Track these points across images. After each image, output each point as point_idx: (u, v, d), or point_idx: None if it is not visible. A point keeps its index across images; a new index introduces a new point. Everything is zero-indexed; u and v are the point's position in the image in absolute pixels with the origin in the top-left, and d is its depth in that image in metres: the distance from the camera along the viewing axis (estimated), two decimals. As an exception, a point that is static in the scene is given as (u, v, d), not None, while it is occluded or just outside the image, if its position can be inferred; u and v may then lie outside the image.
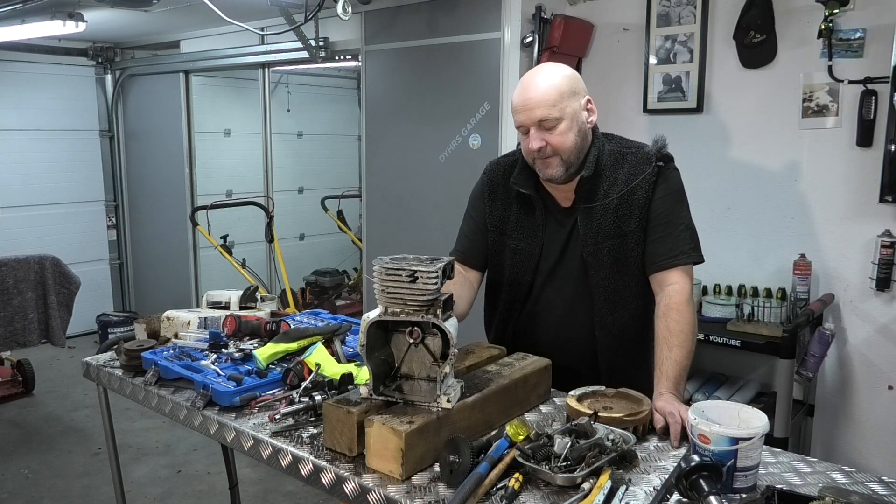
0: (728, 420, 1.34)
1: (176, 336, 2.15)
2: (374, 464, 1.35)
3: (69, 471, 3.63)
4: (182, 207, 5.53)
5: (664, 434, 1.52)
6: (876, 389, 2.99)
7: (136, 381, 1.89)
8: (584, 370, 1.82)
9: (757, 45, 3.06)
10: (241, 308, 2.48)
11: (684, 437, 1.47)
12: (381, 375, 1.46)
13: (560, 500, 1.25)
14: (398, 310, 1.40)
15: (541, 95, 1.68)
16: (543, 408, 1.70)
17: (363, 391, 1.44)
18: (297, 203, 6.44)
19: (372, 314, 1.44)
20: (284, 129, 6.25)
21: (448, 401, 1.40)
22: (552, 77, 1.71)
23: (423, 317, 1.39)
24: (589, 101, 1.76)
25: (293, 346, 1.93)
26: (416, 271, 1.36)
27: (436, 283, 1.37)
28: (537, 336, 1.90)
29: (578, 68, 3.64)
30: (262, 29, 4.41)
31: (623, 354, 1.83)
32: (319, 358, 1.80)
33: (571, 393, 1.59)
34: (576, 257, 1.82)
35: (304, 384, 1.63)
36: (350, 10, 3.28)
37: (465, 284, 1.90)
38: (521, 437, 1.35)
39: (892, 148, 2.75)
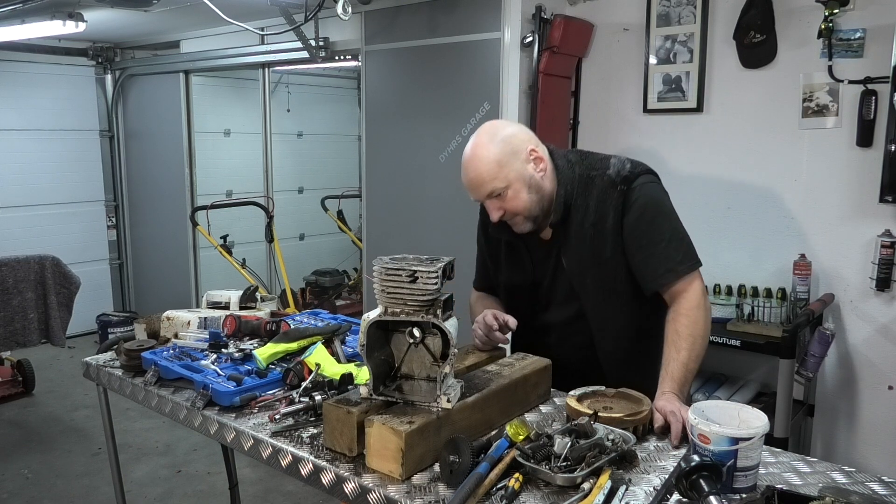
0: (728, 420, 1.34)
1: (176, 336, 2.15)
2: (374, 464, 1.35)
3: (69, 471, 3.63)
4: (182, 207, 5.53)
5: (663, 433, 1.52)
6: (876, 389, 2.99)
7: (136, 381, 1.89)
8: (595, 382, 1.79)
9: (757, 45, 3.06)
10: (241, 308, 2.48)
11: (684, 437, 1.47)
12: (381, 375, 1.46)
13: (560, 500, 1.25)
14: (398, 310, 1.40)
15: (480, 173, 1.68)
16: (543, 408, 1.70)
17: (363, 391, 1.44)
18: (297, 203, 6.44)
19: (372, 314, 1.44)
20: (284, 129, 6.25)
21: (448, 401, 1.40)
22: (486, 149, 1.69)
23: (423, 317, 1.39)
24: (532, 150, 1.72)
25: (293, 346, 1.93)
26: (416, 271, 1.36)
27: (436, 283, 1.37)
28: (546, 354, 1.89)
29: (578, 68, 3.64)
30: (262, 29, 4.41)
31: (632, 370, 1.80)
32: (319, 358, 1.80)
33: (571, 393, 1.59)
34: (565, 287, 1.84)
35: (304, 384, 1.63)
36: (350, 10, 3.28)
37: (494, 300, 1.99)
38: (521, 437, 1.35)
39: (892, 148, 2.75)
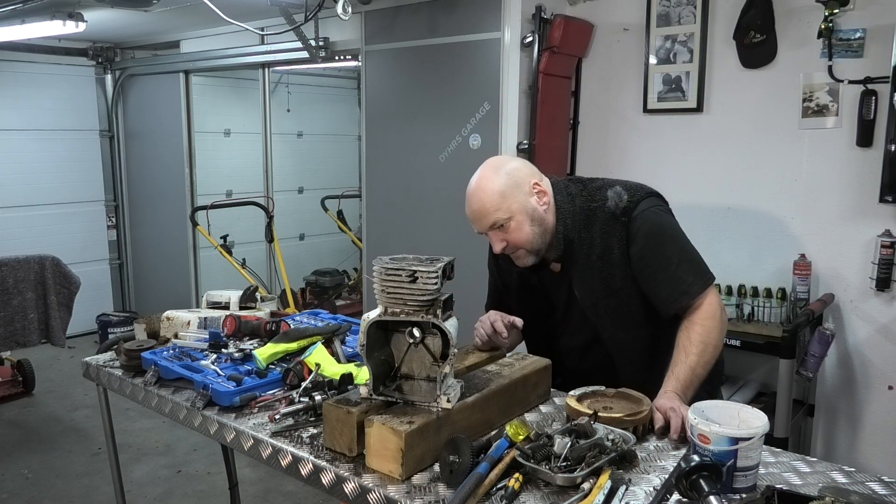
0: (728, 420, 1.34)
1: (176, 336, 2.15)
2: (374, 464, 1.35)
3: (69, 471, 3.63)
4: (182, 207, 5.53)
5: (663, 434, 1.52)
6: (876, 389, 2.99)
7: (136, 381, 1.89)
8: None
9: (757, 45, 3.06)
10: (241, 308, 2.48)
11: (683, 437, 1.47)
12: (381, 375, 1.46)
13: (560, 500, 1.25)
14: (398, 310, 1.40)
15: (484, 204, 1.71)
16: (543, 408, 1.70)
17: (363, 391, 1.44)
18: (297, 203, 6.43)
19: (372, 314, 1.44)
20: (284, 129, 6.24)
21: (448, 401, 1.40)
22: (490, 181, 1.72)
23: (423, 317, 1.39)
24: (535, 184, 1.75)
25: (293, 346, 1.93)
26: (416, 271, 1.36)
27: (436, 283, 1.37)
28: (567, 373, 1.90)
29: (578, 68, 3.64)
30: (262, 29, 4.42)
31: (656, 389, 1.73)
32: (319, 358, 1.80)
33: (571, 393, 1.59)
34: (579, 315, 1.85)
35: (304, 384, 1.63)
36: (350, 10, 3.28)
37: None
38: (521, 437, 1.35)
39: (892, 148, 2.75)
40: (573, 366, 1.90)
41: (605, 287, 1.78)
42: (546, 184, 1.79)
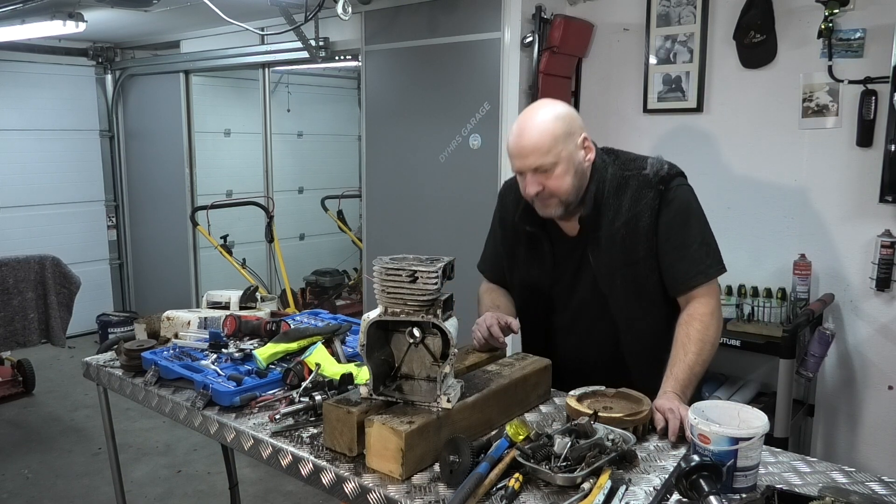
0: (728, 420, 1.34)
1: (176, 336, 2.15)
2: (374, 464, 1.35)
3: (69, 471, 3.63)
4: (182, 207, 5.53)
5: (663, 434, 1.52)
6: (876, 389, 2.99)
7: (136, 381, 1.89)
8: (619, 383, 1.72)
9: (757, 45, 3.06)
10: (241, 308, 2.48)
11: (682, 437, 1.47)
12: (381, 375, 1.46)
13: (560, 500, 1.25)
14: (398, 310, 1.40)
15: (535, 142, 1.66)
16: (543, 408, 1.70)
17: (363, 391, 1.44)
18: (297, 203, 6.43)
19: (372, 314, 1.44)
20: (284, 129, 6.24)
21: (448, 401, 1.40)
22: (546, 121, 1.68)
23: (423, 317, 1.39)
24: (585, 139, 1.73)
25: (293, 346, 1.93)
26: (416, 271, 1.37)
27: (436, 283, 1.37)
28: (560, 360, 1.86)
29: (578, 68, 3.64)
30: (262, 29, 4.41)
31: (658, 372, 1.73)
32: (319, 358, 1.80)
33: (571, 393, 1.59)
34: (588, 286, 1.81)
35: (304, 384, 1.63)
36: (350, 10, 3.28)
37: (503, 295, 1.95)
38: (521, 437, 1.35)
39: (892, 148, 2.75)
40: (573, 346, 1.86)
41: (626, 256, 1.74)
42: (591, 142, 1.76)
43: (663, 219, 1.73)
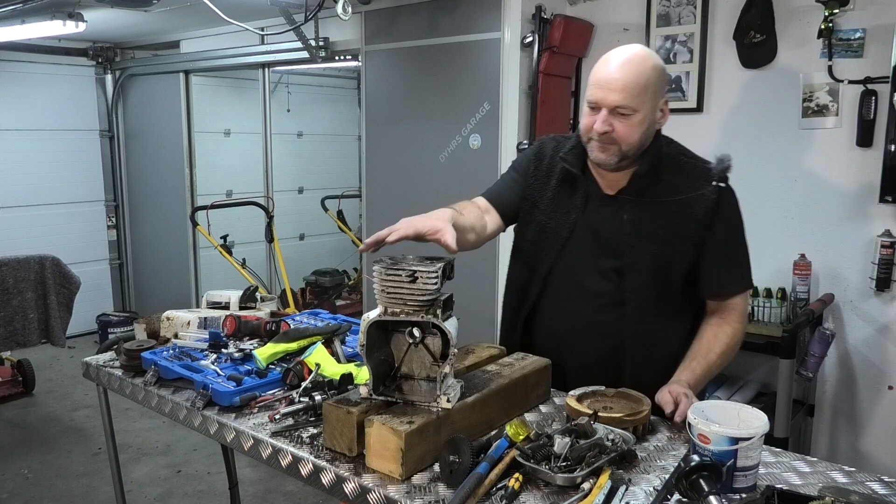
0: (728, 420, 1.34)
1: (176, 336, 2.15)
2: (374, 464, 1.35)
3: (69, 471, 3.63)
4: (182, 207, 5.53)
5: (671, 417, 1.54)
6: (876, 389, 2.99)
7: (136, 381, 1.89)
8: (602, 377, 1.66)
9: (757, 45, 3.06)
10: (241, 308, 2.48)
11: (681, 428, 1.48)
12: (381, 375, 1.46)
13: (560, 500, 1.25)
14: (398, 310, 1.40)
15: (628, 81, 1.57)
16: (543, 408, 1.70)
17: (363, 391, 1.44)
18: (297, 203, 6.43)
19: (372, 314, 1.44)
20: (284, 129, 6.24)
21: (448, 401, 1.40)
22: (644, 65, 1.59)
23: (423, 317, 1.39)
24: (666, 102, 1.67)
25: (293, 346, 1.93)
26: (416, 271, 1.36)
27: (435, 283, 1.36)
28: (551, 332, 1.80)
29: (578, 68, 3.64)
30: (262, 29, 4.41)
31: (653, 371, 1.69)
32: (319, 358, 1.80)
33: (571, 393, 1.59)
34: (609, 251, 1.71)
35: (303, 384, 1.63)
36: (350, 10, 3.28)
37: (477, 214, 1.77)
38: (521, 437, 1.35)
39: (892, 148, 2.75)
40: (570, 323, 1.75)
41: (664, 233, 1.66)
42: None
43: (721, 218, 1.68)
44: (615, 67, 1.59)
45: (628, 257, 1.69)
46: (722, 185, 1.68)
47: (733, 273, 1.72)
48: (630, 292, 1.70)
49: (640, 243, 1.68)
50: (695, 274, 1.71)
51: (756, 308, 2.88)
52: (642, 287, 1.69)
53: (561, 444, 1.31)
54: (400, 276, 1.38)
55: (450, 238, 1.43)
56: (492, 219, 1.82)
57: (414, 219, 1.49)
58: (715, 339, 1.67)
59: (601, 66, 1.61)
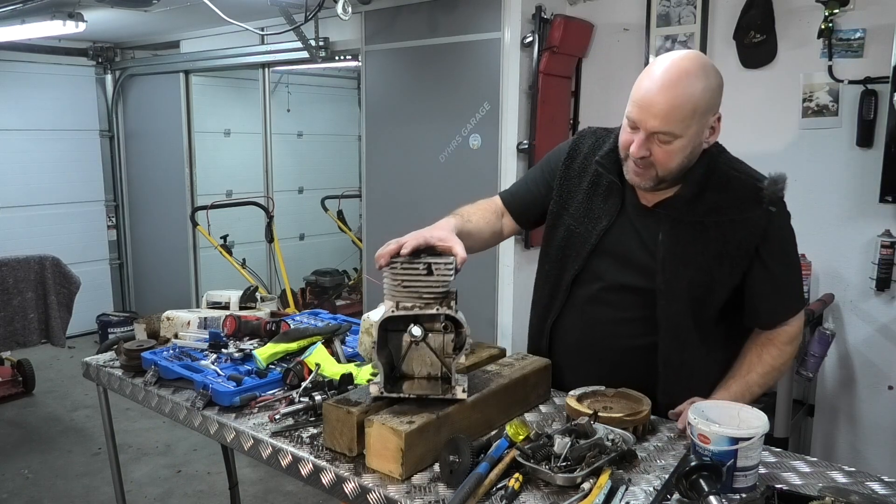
0: (728, 420, 1.34)
1: (176, 336, 2.15)
2: (374, 464, 1.35)
3: (69, 471, 3.63)
4: (182, 207, 5.53)
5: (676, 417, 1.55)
6: (876, 389, 2.99)
7: (136, 381, 1.89)
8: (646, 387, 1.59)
9: (757, 45, 3.06)
10: (241, 308, 2.48)
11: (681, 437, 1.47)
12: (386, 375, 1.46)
13: (560, 500, 1.25)
14: (410, 304, 1.40)
15: (671, 106, 1.42)
16: (543, 408, 1.70)
17: (373, 390, 1.42)
18: (297, 203, 6.44)
19: (373, 314, 1.44)
20: (284, 129, 6.25)
21: (463, 391, 1.40)
22: (693, 88, 1.42)
23: (437, 309, 1.39)
24: (719, 119, 1.50)
25: (293, 346, 1.93)
26: (431, 263, 1.37)
27: (451, 274, 1.37)
28: (572, 346, 1.73)
29: (578, 68, 3.64)
30: (262, 29, 4.41)
31: (688, 394, 1.58)
32: (319, 358, 1.80)
33: (571, 393, 1.59)
34: (639, 269, 1.59)
35: (303, 384, 1.63)
36: (350, 10, 3.28)
37: (488, 218, 1.70)
38: (521, 437, 1.35)
39: (893, 148, 2.75)
40: (598, 335, 1.65)
41: (702, 256, 1.52)
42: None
43: (769, 246, 1.54)
44: (658, 89, 1.43)
45: (662, 282, 1.56)
46: (772, 209, 1.53)
47: (784, 303, 1.60)
48: (664, 320, 1.58)
49: (676, 268, 1.55)
50: (739, 299, 1.60)
51: (756, 308, 2.88)
52: (676, 315, 1.58)
53: (561, 444, 1.31)
54: (417, 268, 1.38)
55: (458, 248, 1.42)
56: (507, 221, 1.78)
57: (421, 231, 1.48)
58: (759, 359, 1.59)
59: (644, 81, 1.47)
